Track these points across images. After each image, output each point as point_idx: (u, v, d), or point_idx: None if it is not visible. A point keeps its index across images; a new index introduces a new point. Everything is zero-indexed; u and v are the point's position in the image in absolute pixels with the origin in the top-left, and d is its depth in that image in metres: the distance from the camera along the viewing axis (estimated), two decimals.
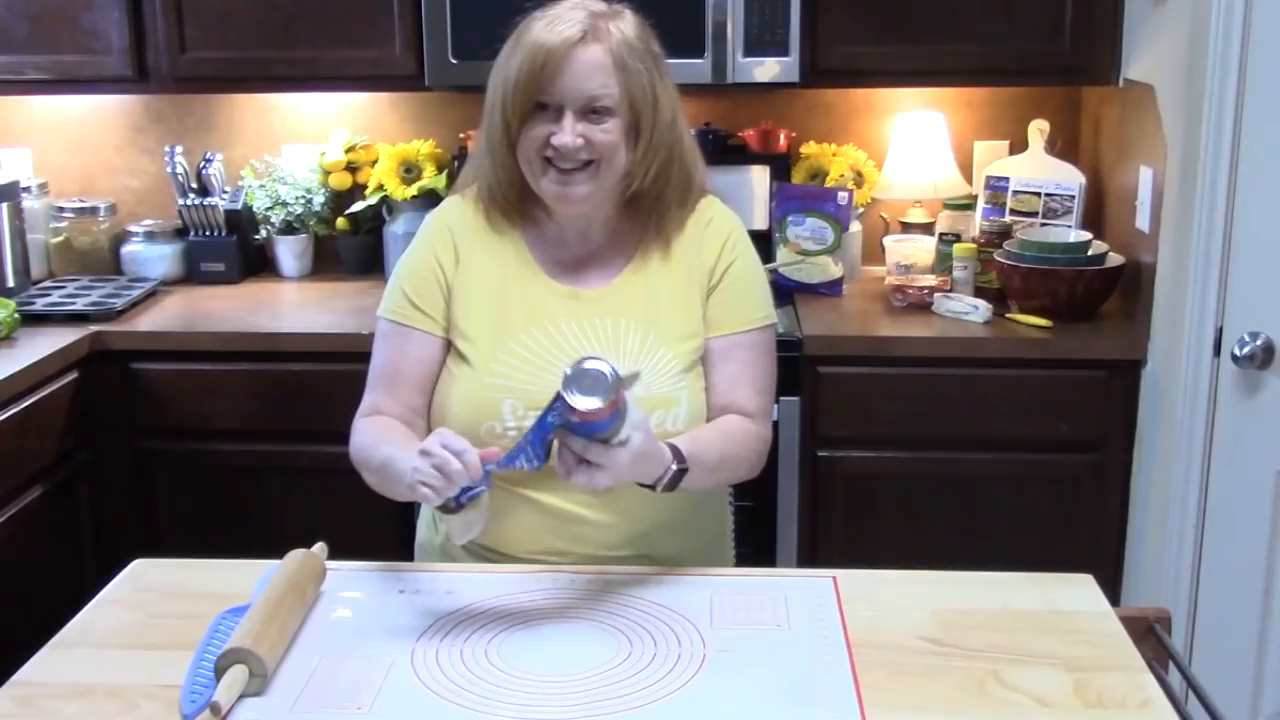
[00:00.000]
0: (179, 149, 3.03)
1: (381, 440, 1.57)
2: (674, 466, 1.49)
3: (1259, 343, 2.22)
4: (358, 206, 3.06)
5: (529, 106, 1.56)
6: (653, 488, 1.49)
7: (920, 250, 2.92)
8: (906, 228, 3.04)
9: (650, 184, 1.63)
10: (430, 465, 1.37)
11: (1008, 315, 2.66)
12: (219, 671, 1.28)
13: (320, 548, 1.55)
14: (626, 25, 1.59)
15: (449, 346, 1.66)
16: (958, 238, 2.85)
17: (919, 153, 3.00)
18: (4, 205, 2.80)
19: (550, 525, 1.62)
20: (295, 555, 1.51)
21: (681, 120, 1.66)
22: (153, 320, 2.74)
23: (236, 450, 2.68)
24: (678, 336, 1.65)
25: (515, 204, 1.66)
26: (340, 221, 3.10)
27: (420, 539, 1.80)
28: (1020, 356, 2.56)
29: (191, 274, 3.07)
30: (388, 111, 3.14)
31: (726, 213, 1.74)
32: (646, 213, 1.66)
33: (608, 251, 1.69)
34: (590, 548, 1.62)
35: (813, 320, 2.66)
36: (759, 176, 2.98)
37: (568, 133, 1.55)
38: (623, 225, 1.69)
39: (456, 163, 2.96)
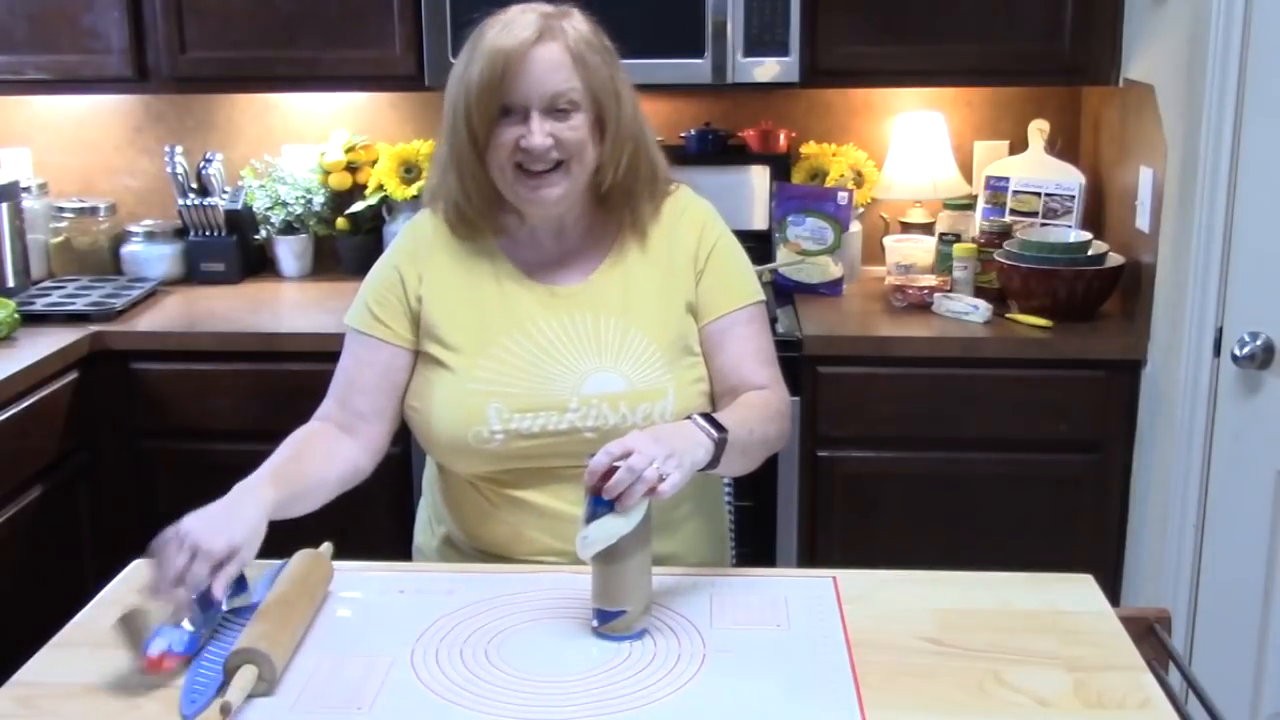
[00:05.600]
0: (179, 149, 3.03)
1: (279, 452, 1.58)
2: (708, 427, 1.46)
3: (1259, 343, 2.22)
4: (358, 206, 3.06)
5: (494, 111, 1.55)
6: (713, 464, 1.47)
7: (920, 250, 2.92)
8: (906, 228, 3.04)
9: (622, 177, 1.63)
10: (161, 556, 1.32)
11: (1008, 315, 2.66)
12: (229, 669, 1.28)
13: (326, 547, 1.55)
14: (579, 23, 1.59)
15: (413, 357, 1.67)
16: (958, 238, 2.85)
17: (919, 153, 3.00)
18: (4, 205, 2.80)
19: (548, 527, 1.62)
20: (305, 555, 1.51)
21: (641, 114, 1.66)
22: (152, 320, 2.74)
23: (236, 450, 2.63)
24: (659, 327, 1.65)
25: (485, 214, 1.66)
26: (340, 221, 3.10)
27: (417, 542, 1.80)
28: (1020, 356, 2.56)
29: (191, 274, 3.07)
30: (388, 111, 3.14)
31: (700, 200, 1.75)
32: (619, 207, 1.67)
33: (584, 248, 1.69)
34: None
35: (813, 320, 2.66)
36: (759, 176, 2.98)
37: (536, 133, 1.55)
38: (596, 222, 1.69)
39: None
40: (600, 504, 1.37)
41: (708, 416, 1.49)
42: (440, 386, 1.63)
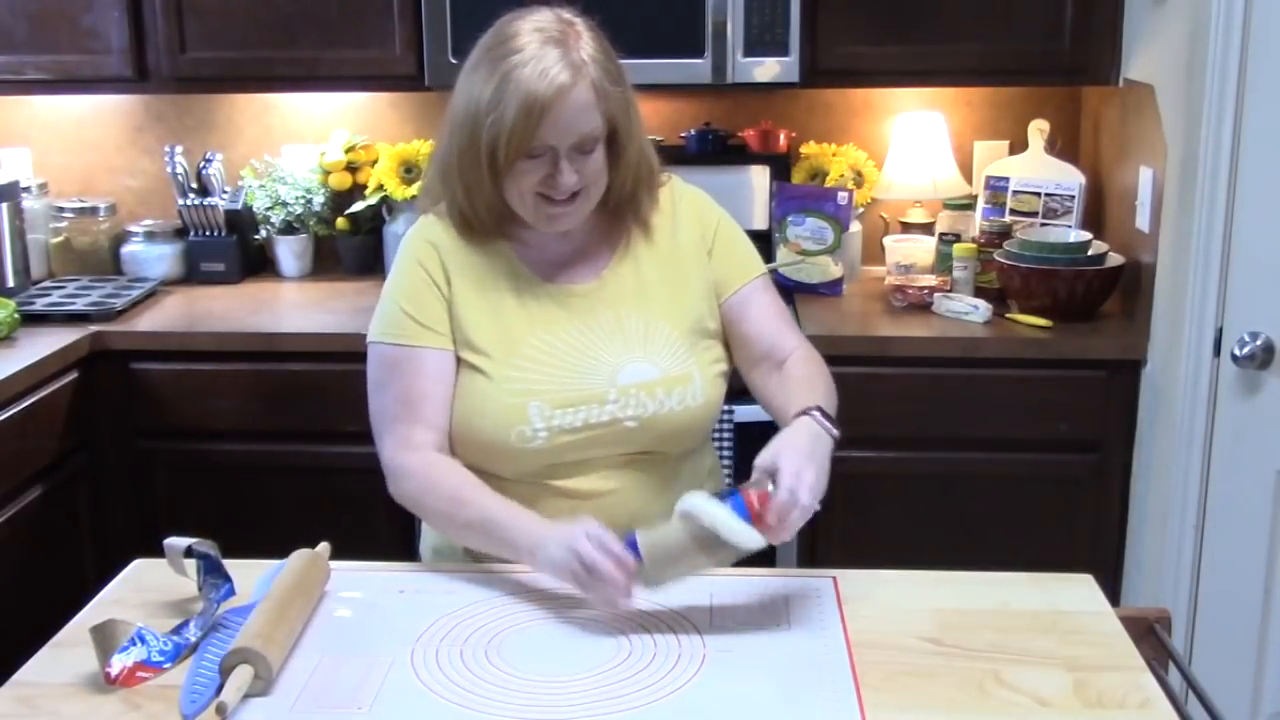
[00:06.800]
0: (179, 149, 3.03)
1: (465, 487, 1.58)
2: (829, 427, 1.55)
3: (1259, 343, 2.22)
4: (358, 206, 3.06)
5: (523, 153, 1.56)
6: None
7: (920, 250, 2.92)
8: (906, 228, 3.04)
9: (628, 187, 1.67)
10: (583, 567, 1.41)
11: (1008, 315, 2.66)
12: (224, 669, 1.28)
13: (324, 548, 1.55)
14: (590, 44, 1.58)
15: (458, 360, 1.66)
16: (958, 238, 2.85)
17: (919, 153, 3.00)
18: (4, 205, 2.80)
19: (588, 509, 1.60)
20: (302, 555, 1.51)
21: (640, 115, 1.67)
22: (153, 320, 2.74)
23: (236, 450, 2.68)
24: (677, 314, 1.69)
25: (493, 224, 1.67)
26: (340, 221, 3.10)
27: (434, 544, 1.77)
28: (1020, 356, 2.56)
29: (191, 274, 3.07)
30: (388, 111, 3.14)
31: (692, 187, 1.80)
32: (624, 208, 1.70)
33: (592, 246, 1.71)
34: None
35: (813, 320, 2.66)
36: (759, 176, 2.98)
37: (567, 174, 1.57)
38: (602, 220, 1.71)
39: None
40: (740, 507, 1.41)
41: (821, 413, 1.56)
42: (477, 392, 1.62)
